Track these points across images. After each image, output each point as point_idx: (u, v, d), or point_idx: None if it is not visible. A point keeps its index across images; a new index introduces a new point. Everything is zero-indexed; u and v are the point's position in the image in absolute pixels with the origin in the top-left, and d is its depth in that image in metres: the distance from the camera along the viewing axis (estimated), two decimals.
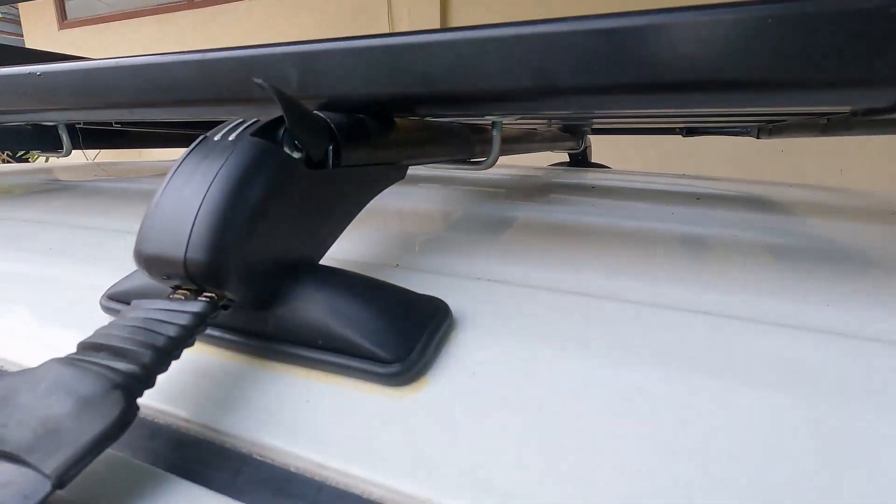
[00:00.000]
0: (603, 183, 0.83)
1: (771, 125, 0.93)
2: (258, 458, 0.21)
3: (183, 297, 0.24)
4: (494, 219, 0.51)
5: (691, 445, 0.19)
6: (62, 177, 0.92)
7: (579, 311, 0.28)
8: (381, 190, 0.35)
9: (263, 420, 0.22)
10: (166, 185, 0.25)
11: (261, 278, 0.25)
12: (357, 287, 0.26)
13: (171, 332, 0.22)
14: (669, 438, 0.20)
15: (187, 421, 0.23)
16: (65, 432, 0.17)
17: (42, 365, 0.20)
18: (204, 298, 0.24)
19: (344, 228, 0.31)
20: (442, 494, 0.18)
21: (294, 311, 0.25)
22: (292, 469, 0.21)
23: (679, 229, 0.47)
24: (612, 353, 0.24)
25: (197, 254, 0.23)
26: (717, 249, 0.41)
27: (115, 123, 0.63)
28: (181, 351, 0.22)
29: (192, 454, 0.22)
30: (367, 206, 0.33)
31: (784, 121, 0.82)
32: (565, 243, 0.40)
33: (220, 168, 0.24)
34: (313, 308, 0.25)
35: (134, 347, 0.21)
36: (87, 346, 0.21)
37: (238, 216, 0.24)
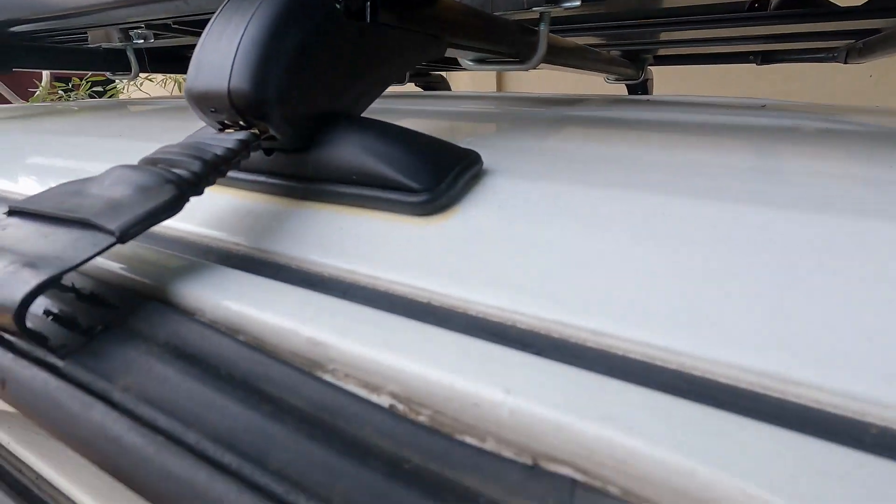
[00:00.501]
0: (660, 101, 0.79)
1: (861, 43, 0.83)
2: (295, 266, 0.23)
3: (233, 132, 0.26)
4: (533, 114, 0.50)
5: (711, 263, 0.19)
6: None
7: (608, 167, 0.28)
8: (420, 61, 0.35)
9: (300, 242, 0.24)
10: (209, 28, 0.26)
11: (300, 116, 0.26)
12: (392, 131, 0.27)
13: (218, 150, 0.23)
14: (684, 256, 0.20)
15: (236, 244, 0.25)
16: (126, 206, 0.19)
17: (107, 170, 0.22)
18: (248, 131, 0.25)
19: (382, 90, 0.32)
20: (460, 289, 0.19)
21: (331, 151, 0.26)
22: (325, 275, 0.22)
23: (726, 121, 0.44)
24: (638, 187, 0.24)
25: (240, 83, 0.24)
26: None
27: (174, 24, 0.65)
28: (226, 169, 0.24)
29: (236, 260, 0.24)
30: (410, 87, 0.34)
31: (879, 31, 0.73)
32: (606, 140, 0.39)
33: (258, 6, 0.25)
34: (350, 147, 0.26)
35: (186, 159, 0.23)
36: (146, 160, 0.23)
37: (277, 51, 0.25)
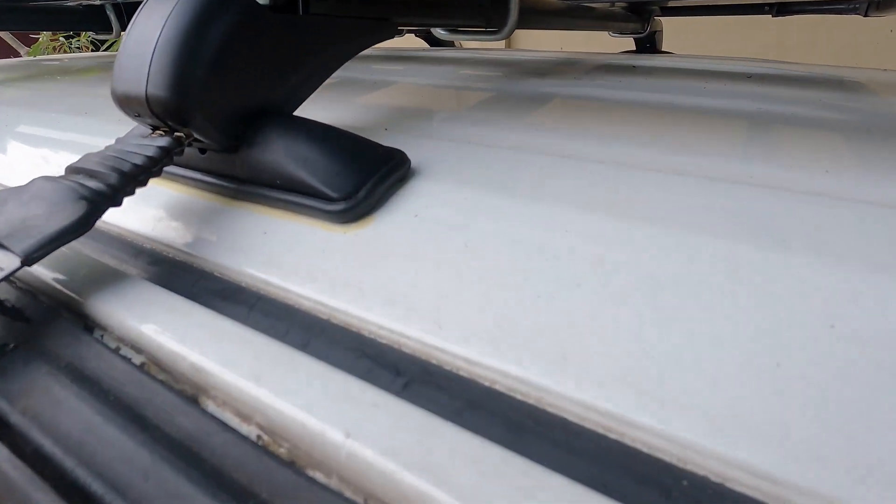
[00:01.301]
0: (652, 64, 0.75)
1: None
2: (217, 274, 0.24)
3: (158, 136, 0.26)
4: (500, 92, 0.48)
5: (635, 288, 0.20)
6: None
7: (545, 170, 0.27)
8: (365, 46, 0.34)
9: (224, 246, 0.25)
10: (132, 25, 0.26)
11: (225, 120, 0.26)
12: (316, 133, 0.27)
13: (137, 160, 0.24)
14: (605, 280, 0.20)
15: (165, 245, 0.26)
16: (36, 227, 0.20)
17: (31, 181, 0.23)
18: (173, 136, 0.25)
19: (320, 82, 0.31)
20: (366, 309, 0.20)
21: (257, 154, 0.26)
22: (242, 284, 0.23)
23: (705, 103, 0.43)
24: (565, 204, 0.24)
25: (157, 89, 0.24)
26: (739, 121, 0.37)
27: None
28: (146, 178, 0.24)
29: (161, 267, 0.25)
30: (366, 75, 0.33)
31: None
32: (573, 114, 0.38)
33: (176, 4, 0.25)
34: (274, 151, 0.26)
35: (104, 171, 0.23)
36: (70, 169, 0.24)
37: (196, 52, 0.24)
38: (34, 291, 0.23)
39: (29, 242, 0.19)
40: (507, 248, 0.21)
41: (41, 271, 0.23)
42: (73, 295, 0.22)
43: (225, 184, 0.28)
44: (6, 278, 0.18)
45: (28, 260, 0.19)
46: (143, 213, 0.29)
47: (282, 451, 0.15)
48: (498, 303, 0.19)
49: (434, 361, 0.18)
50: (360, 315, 0.20)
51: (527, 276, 0.20)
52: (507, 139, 0.31)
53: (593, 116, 0.36)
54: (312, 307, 0.21)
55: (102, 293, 0.22)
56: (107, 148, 0.26)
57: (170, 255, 0.26)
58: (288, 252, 0.24)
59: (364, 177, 0.25)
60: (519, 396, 0.16)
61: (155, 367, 0.19)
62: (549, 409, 0.16)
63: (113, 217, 0.29)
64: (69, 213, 0.21)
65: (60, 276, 0.23)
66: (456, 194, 0.25)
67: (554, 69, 0.63)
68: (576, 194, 0.24)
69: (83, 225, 0.21)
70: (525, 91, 0.46)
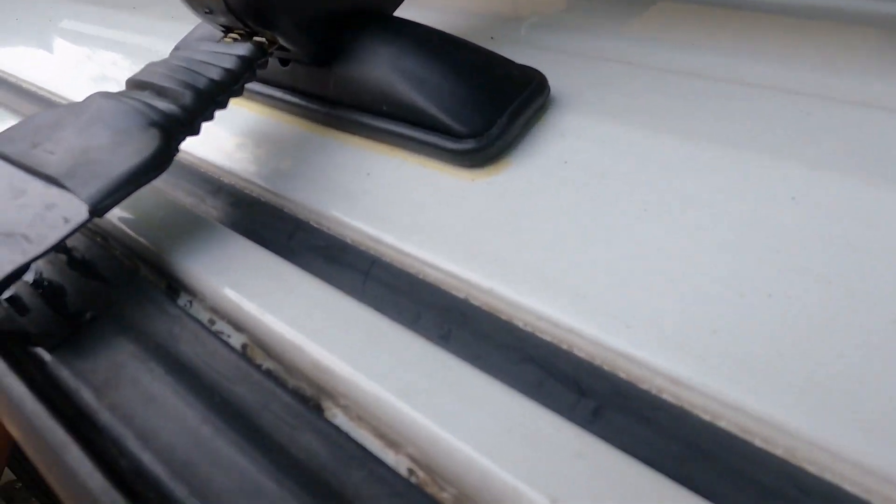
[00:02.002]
0: None
1: None
2: (315, 224, 0.20)
3: (232, 41, 0.20)
4: None
5: (809, 239, 0.14)
6: None
7: (715, 99, 0.21)
8: None
9: (322, 188, 0.20)
10: None
11: (316, 21, 0.20)
12: (434, 44, 0.21)
13: (214, 74, 0.19)
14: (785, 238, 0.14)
15: (248, 182, 0.22)
16: (102, 163, 0.16)
17: (87, 98, 0.18)
18: (253, 42, 0.20)
19: None
20: (516, 291, 0.16)
21: (356, 69, 0.21)
22: (348, 241, 0.19)
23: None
24: (748, 147, 0.18)
25: None
26: None
27: None
28: (226, 98, 0.19)
29: (247, 211, 0.20)
30: None
31: None
32: (728, 26, 0.30)
33: None
34: (378, 65, 0.20)
35: (176, 87, 0.18)
36: (133, 84, 0.19)
37: None
38: (105, 238, 0.19)
39: (96, 186, 0.15)
40: (711, 217, 0.16)
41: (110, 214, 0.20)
42: (151, 248, 0.18)
43: (312, 105, 0.23)
44: (73, 232, 0.14)
45: (97, 210, 0.15)
46: (219, 139, 0.24)
47: (445, 496, 0.11)
48: (710, 299, 0.14)
49: (623, 376, 0.13)
50: (510, 298, 0.15)
51: (748, 262, 0.14)
52: (668, 59, 0.24)
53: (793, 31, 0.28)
54: (444, 280, 0.17)
55: (185, 247, 0.18)
56: (172, 56, 0.20)
57: (255, 195, 0.21)
58: (401, 201, 0.19)
59: (498, 105, 0.19)
60: (775, 451, 0.12)
61: (260, 353, 0.15)
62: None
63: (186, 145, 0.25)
64: (142, 146, 0.16)
65: (132, 219, 0.19)
66: (618, 133, 0.19)
67: None
68: (795, 140, 0.18)
69: (161, 162, 0.16)
70: None
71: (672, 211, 0.16)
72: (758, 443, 0.12)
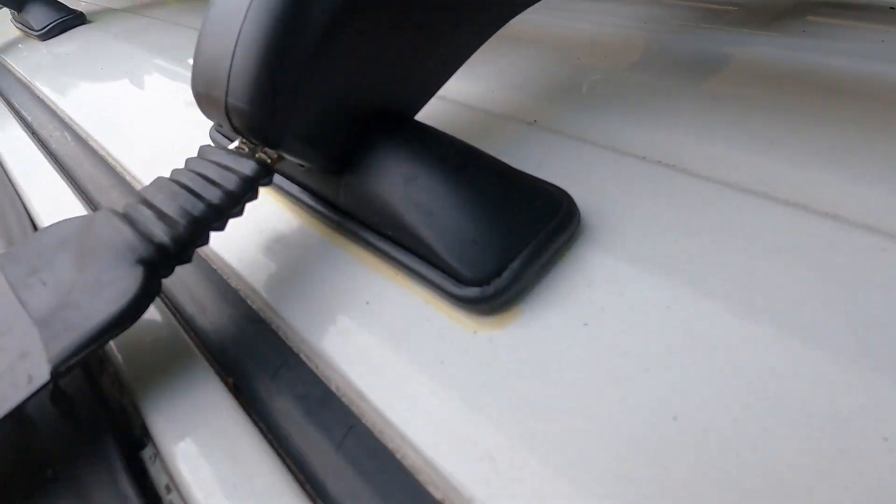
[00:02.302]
0: None
1: None
2: (304, 358, 0.18)
3: (245, 149, 0.20)
4: (709, 58, 0.34)
5: None
6: None
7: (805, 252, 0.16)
8: (522, 8, 0.24)
9: (319, 312, 0.19)
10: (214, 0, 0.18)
11: (325, 135, 0.19)
12: (449, 165, 0.18)
13: (214, 198, 0.18)
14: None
15: (251, 289, 0.21)
16: (80, 311, 0.15)
17: (96, 214, 0.18)
18: (256, 160, 0.19)
19: (456, 68, 0.22)
20: (484, 495, 0.13)
21: (365, 184, 0.19)
22: (332, 387, 0.17)
23: None
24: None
25: (239, 99, 0.17)
26: None
27: None
28: (224, 222, 0.18)
29: (245, 335, 0.19)
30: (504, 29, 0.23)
31: None
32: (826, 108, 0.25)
33: None
34: (386, 186, 0.18)
35: (173, 214, 0.17)
36: (141, 199, 0.19)
37: (293, 43, 0.17)
38: (101, 363, 0.19)
39: (64, 342, 0.14)
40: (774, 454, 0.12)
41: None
42: (130, 384, 0.17)
43: (326, 212, 0.21)
44: (32, 397, 0.14)
45: (58, 373, 0.14)
46: (241, 240, 0.23)
47: None
48: None
49: None
50: None
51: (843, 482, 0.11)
52: (743, 173, 0.20)
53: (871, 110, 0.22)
54: (420, 467, 0.14)
55: (163, 387, 0.17)
56: (185, 165, 0.20)
57: (256, 308, 0.20)
58: (394, 345, 0.17)
59: (513, 246, 0.17)
60: None
61: None
62: None
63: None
64: (120, 293, 0.15)
65: (127, 345, 0.19)
66: (659, 294, 0.16)
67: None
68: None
69: (136, 311, 0.15)
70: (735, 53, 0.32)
71: (712, 430, 0.13)
72: None
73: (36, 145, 0.39)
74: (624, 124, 0.24)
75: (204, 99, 0.19)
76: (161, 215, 0.18)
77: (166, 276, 0.17)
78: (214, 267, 0.23)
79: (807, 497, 0.11)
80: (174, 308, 0.21)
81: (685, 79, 0.27)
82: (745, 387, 0.13)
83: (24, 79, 0.55)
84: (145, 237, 0.17)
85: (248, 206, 0.24)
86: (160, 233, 0.17)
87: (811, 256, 0.16)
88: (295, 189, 0.23)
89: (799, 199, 0.18)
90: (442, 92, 0.29)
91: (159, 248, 0.17)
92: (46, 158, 0.37)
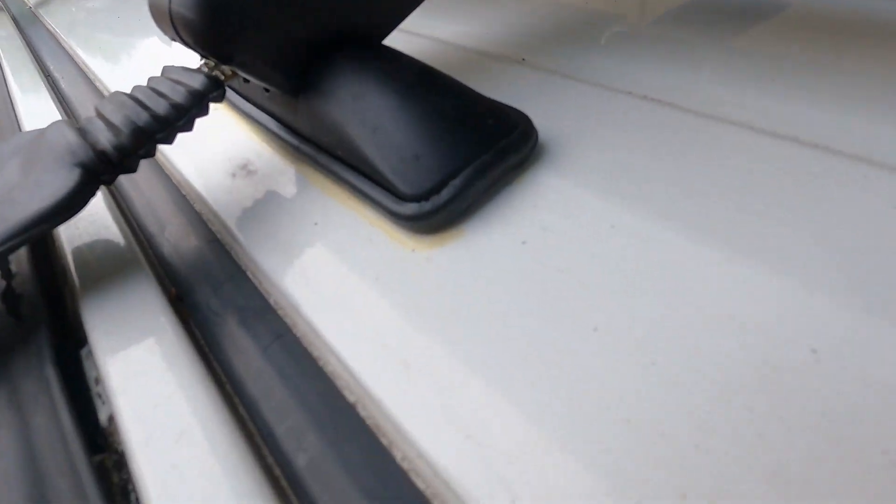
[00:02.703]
0: None
1: None
2: (250, 276, 0.18)
3: (205, 69, 0.19)
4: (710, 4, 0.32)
5: None
6: None
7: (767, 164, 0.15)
8: None
9: (269, 234, 0.19)
10: None
11: (282, 53, 0.18)
12: (404, 83, 0.18)
13: (161, 109, 0.18)
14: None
15: (209, 208, 0.21)
16: (18, 205, 0.15)
17: (49, 126, 0.18)
18: (213, 73, 0.18)
19: None
20: (393, 399, 0.13)
21: (319, 104, 0.18)
22: (271, 302, 0.17)
23: None
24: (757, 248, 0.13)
25: (182, 6, 0.17)
26: None
27: None
28: (172, 134, 0.18)
29: (199, 252, 0.19)
30: None
31: None
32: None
33: None
34: (337, 104, 0.18)
35: (118, 123, 0.17)
36: (96, 111, 0.19)
37: None
38: (53, 267, 0.20)
39: (1, 229, 0.15)
40: (674, 353, 0.11)
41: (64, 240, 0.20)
42: (77, 285, 0.17)
43: (286, 136, 0.21)
44: None
45: None
46: (203, 156, 0.23)
47: None
48: (633, 494, 0.10)
49: None
50: (397, 420, 0.12)
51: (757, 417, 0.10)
52: (722, 97, 0.18)
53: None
54: (341, 376, 0.14)
55: (104, 290, 0.17)
56: (147, 83, 0.20)
57: (212, 229, 0.20)
58: (335, 265, 0.17)
59: (457, 163, 0.16)
60: None
61: (117, 432, 0.14)
62: None
63: (172, 152, 0.25)
64: (54, 189, 0.15)
65: (79, 249, 0.19)
66: (605, 212, 0.15)
67: None
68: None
69: (66, 207, 0.15)
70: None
71: (630, 342, 0.12)
72: None
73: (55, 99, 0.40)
74: (612, 63, 0.22)
75: (154, 9, 0.18)
76: (108, 125, 0.18)
77: (108, 182, 0.17)
78: (177, 185, 0.23)
79: (725, 406, 0.10)
80: (131, 222, 0.22)
81: (680, 23, 0.25)
82: (677, 301, 0.12)
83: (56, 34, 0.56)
84: (89, 144, 0.17)
85: (213, 129, 0.23)
86: (104, 140, 0.17)
87: (774, 180, 0.15)
88: (256, 113, 0.23)
89: (773, 128, 0.17)
90: (428, 31, 0.28)
91: (100, 154, 0.17)
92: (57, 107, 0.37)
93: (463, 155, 0.16)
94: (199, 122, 0.18)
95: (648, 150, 0.17)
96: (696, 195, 0.15)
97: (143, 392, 0.14)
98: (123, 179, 0.25)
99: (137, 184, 0.25)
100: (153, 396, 0.14)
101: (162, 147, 0.25)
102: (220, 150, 0.24)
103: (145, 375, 0.14)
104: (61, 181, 0.16)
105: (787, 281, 0.12)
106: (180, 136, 0.18)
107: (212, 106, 0.19)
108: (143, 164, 0.26)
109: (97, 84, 0.38)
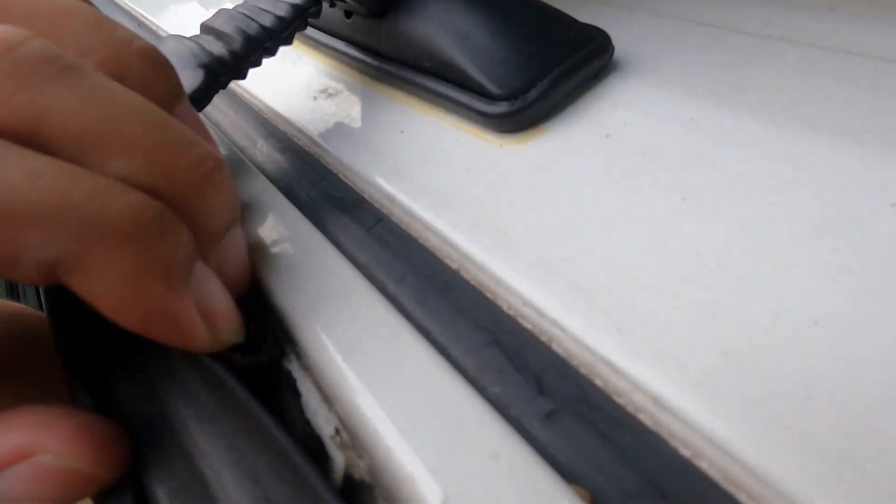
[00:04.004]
0: None
1: None
2: (342, 177, 0.20)
3: None
4: None
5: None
6: None
7: (823, 76, 0.16)
8: None
9: (356, 143, 0.20)
10: None
11: None
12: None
13: (266, 21, 0.19)
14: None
15: (295, 128, 0.23)
16: None
17: (163, 40, 0.20)
18: None
19: None
20: (510, 270, 0.14)
21: (406, 22, 0.20)
22: (365, 196, 0.18)
23: None
24: (844, 137, 0.14)
25: None
26: None
27: None
28: (275, 46, 0.20)
29: (289, 160, 0.21)
30: None
31: None
32: None
33: None
34: (425, 19, 0.19)
35: (230, 32, 0.19)
36: (203, 27, 0.21)
37: None
38: None
39: None
40: (763, 219, 0.13)
41: None
42: None
43: (366, 59, 0.23)
44: None
45: None
46: (281, 86, 0.25)
47: (360, 464, 0.11)
48: (732, 315, 0.11)
49: (599, 383, 0.12)
50: (500, 276, 0.14)
51: (798, 277, 0.11)
52: (774, 23, 0.19)
53: None
54: (440, 248, 0.16)
55: None
56: (245, 1, 0.21)
57: (299, 144, 0.22)
58: (425, 161, 0.18)
59: (543, 67, 0.17)
60: None
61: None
62: None
63: (253, 84, 0.27)
64: (185, 84, 0.17)
65: None
66: (681, 109, 0.16)
67: None
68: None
69: (198, 99, 0.17)
70: None
71: (717, 206, 0.13)
72: (743, 499, 0.10)
73: None
74: None
75: None
76: (220, 35, 0.19)
77: (223, 85, 0.19)
78: (258, 112, 0.25)
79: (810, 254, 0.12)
80: (224, 136, 0.23)
81: None
82: (759, 178, 0.14)
83: None
84: (206, 51, 0.19)
85: (287, 64, 0.25)
86: (219, 47, 0.19)
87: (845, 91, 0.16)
88: (333, 41, 0.24)
89: (849, 48, 0.17)
90: None
91: (218, 58, 0.18)
92: None
93: (548, 59, 0.17)
94: (276, 56, 0.20)
95: (720, 64, 0.18)
96: (770, 101, 0.16)
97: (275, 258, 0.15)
98: (214, 111, 0.27)
99: (222, 109, 0.26)
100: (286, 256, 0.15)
101: (240, 81, 0.27)
102: (298, 80, 0.25)
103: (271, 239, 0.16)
104: (189, 79, 0.17)
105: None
106: (256, 71, 0.20)
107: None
108: (224, 97, 0.28)
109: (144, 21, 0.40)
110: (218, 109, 0.27)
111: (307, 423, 0.12)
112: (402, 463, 0.10)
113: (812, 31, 0.18)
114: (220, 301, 0.12)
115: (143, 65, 0.12)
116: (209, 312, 0.11)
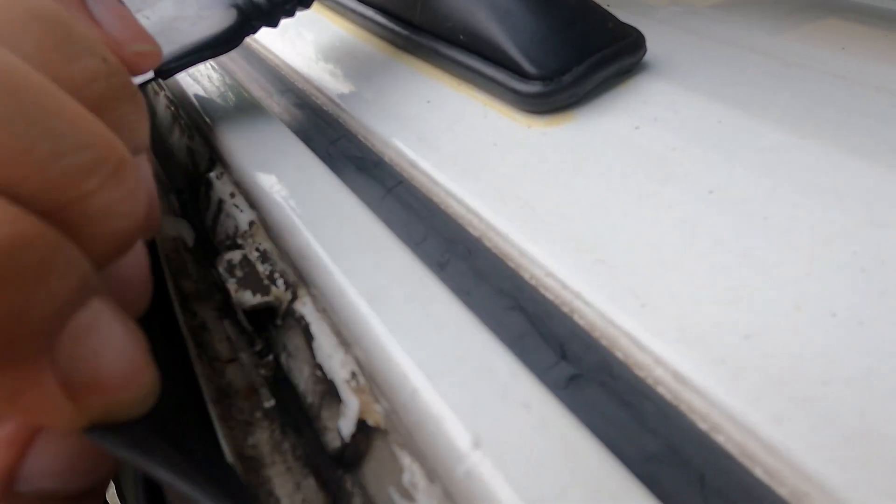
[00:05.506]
0: None
1: None
2: (361, 138, 0.19)
3: None
4: None
5: None
6: None
7: (840, 100, 0.17)
8: None
9: (378, 107, 0.20)
10: None
11: None
12: None
13: None
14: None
15: (313, 86, 0.22)
16: (180, 32, 0.17)
17: None
18: None
19: None
20: (534, 241, 0.14)
21: None
22: (385, 158, 0.18)
23: None
24: (858, 152, 0.14)
25: None
26: None
27: None
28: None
29: (306, 112, 0.21)
30: None
31: None
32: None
33: None
34: None
35: None
36: None
37: None
38: (177, 108, 0.21)
39: (167, 50, 0.16)
40: (785, 216, 0.13)
41: (179, 84, 0.21)
42: (207, 121, 0.19)
43: (397, 28, 0.22)
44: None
45: (161, 72, 0.15)
46: (303, 46, 0.25)
47: (377, 408, 0.11)
48: (756, 301, 0.12)
49: (619, 355, 0.12)
50: (523, 247, 0.14)
51: (820, 272, 0.12)
52: (792, 51, 0.20)
53: None
54: (463, 216, 0.16)
55: (234, 126, 0.18)
56: None
57: (318, 102, 0.22)
58: (450, 133, 0.18)
59: (580, 53, 0.18)
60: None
61: (262, 233, 0.15)
62: None
63: (271, 42, 0.26)
64: (216, 23, 0.17)
65: (205, 97, 0.20)
66: (707, 112, 0.17)
67: None
68: None
69: (229, 39, 0.17)
70: None
71: (742, 201, 0.14)
72: (759, 473, 0.10)
73: None
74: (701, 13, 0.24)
75: None
76: None
77: (254, 30, 0.18)
78: (275, 68, 0.24)
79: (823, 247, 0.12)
80: (240, 90, 0.23)
81: None
82: (783, 180, 0.14)
83: None
84: None
85: (310, 30, 0.25)
86: None
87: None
88: (362, 9, 0.24)
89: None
90: None
91: (252, 2, 0.18)
92: None
93: (586, 46, 0.18)
94: (296, 21, 0.20)
95: (745, 82, 0.18)
96: (795, 116, 0.16)
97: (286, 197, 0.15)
98: (228, 62, 0.27)
99: (242, 65, 0.26)
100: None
101: (265, 43, 0.27)
102: (323, 44, 0.25)
103: (285, 186, 0.15)
104: (220, 17, 0.17)
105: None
106: (278, 32, 0.19)
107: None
108: (244, 54, 0.27)
109: None
110: (234, 62, 0.26)
111: (318, 366, 0.12)
112: (428, 406, 0.09)
113: (828, 63, 0.19)
114: (113, 361, 0.08)
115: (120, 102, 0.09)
116: (89, 382, 0.08)
